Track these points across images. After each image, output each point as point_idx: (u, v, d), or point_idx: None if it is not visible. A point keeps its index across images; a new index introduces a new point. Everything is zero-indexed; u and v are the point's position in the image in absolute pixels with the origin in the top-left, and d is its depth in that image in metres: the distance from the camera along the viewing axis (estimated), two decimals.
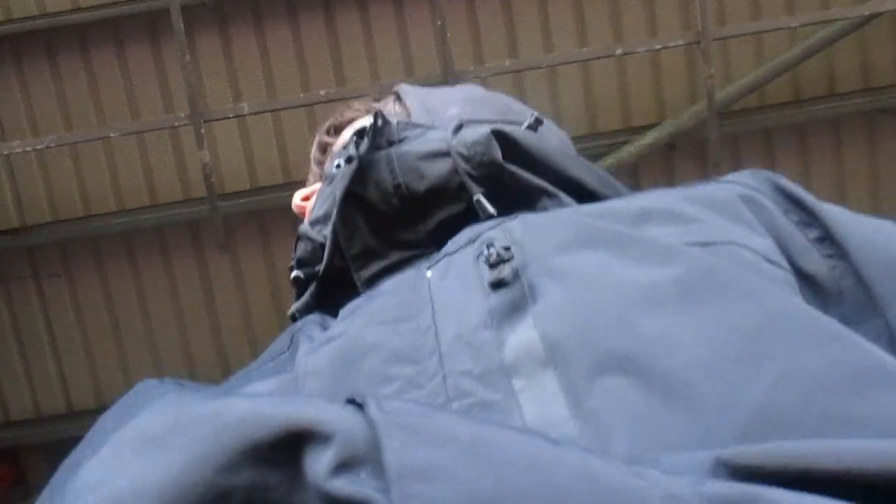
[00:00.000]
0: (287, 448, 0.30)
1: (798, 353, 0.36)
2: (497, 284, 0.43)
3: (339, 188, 0.57)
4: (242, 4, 3.20)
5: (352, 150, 0.59)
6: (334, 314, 0.55)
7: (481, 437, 0.29)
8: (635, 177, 3.34)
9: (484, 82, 3.18)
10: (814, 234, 0.48)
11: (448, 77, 2.77)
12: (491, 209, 0.54)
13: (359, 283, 0.56)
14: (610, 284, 0.41)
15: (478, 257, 0.46)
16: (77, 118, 3.26)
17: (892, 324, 0.41)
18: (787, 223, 0.49)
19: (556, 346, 0.39)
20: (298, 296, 0.63)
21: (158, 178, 3.32)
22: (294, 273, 0.61)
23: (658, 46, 2.87)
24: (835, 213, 0.48)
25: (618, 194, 0.62)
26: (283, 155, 3.31)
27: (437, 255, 0.51)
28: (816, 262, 0.47)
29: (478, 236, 0.49)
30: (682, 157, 3.29)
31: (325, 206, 0.60)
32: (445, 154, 0.56)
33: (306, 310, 0.60)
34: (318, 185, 0.79)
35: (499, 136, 0.57)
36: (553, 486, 0.27)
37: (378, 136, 0.59)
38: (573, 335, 0.39)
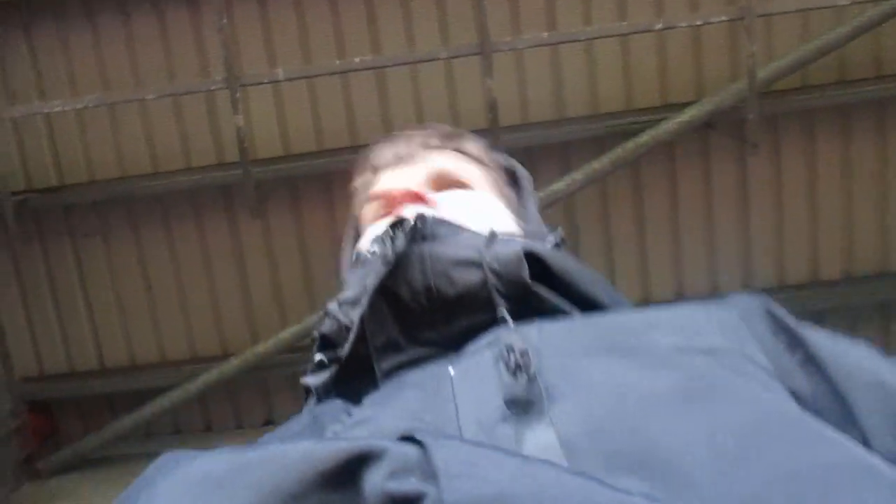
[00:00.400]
0: (348, 471, 0.34)
1: (788, 452, 0.40)
2: (515, 386, 0.47)
3: (371, 281, 0.60)
4: None
5: (387, 244, 0.62)
6: (350, 398, 0.58)
7: (525, 465, 0.35)
8: (671, 155, 3.30)
9: (520, 54, 3.15)
10: (798, 356, 0.53)
11: (484, 48, 2.74)
12: (512, 325, 0.58)
13: (378, 374, 0.59)
14: (620, 390, 0.45)
15: (497, 360, 0.50)
16: (115, 80, 3.29)
17: (867, 434, 0.46)
18: (776, 344, 0.54)
19: (572, 445, 0.42)
20: (314, 367, 0.65)
21: (193, 141, 3.35)
22: (318, 358, 0.64)
23: (700, 22, 2.81)
24: (816, 339, 0.54)
25: (621, 304, 0.66)
26: (317, 122, 3.32)
27: (459, 355, 0.55)
28: (801, 381, 0.52)
29: (498, 339, 0.53)
30: (720, 136, 3.23)
31: (355, 289, 0.64)
32: (478, 265, 0.60)
33: (325, 391, 0.63)
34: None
35: (529, 255, 0.61)
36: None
37: (415, 236, 0.62)
38: (587, 437, 0.42)
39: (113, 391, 3.53)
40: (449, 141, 0.91)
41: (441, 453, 0.34)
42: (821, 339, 0.54)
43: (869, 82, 3.20)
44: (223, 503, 0.34)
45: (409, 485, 0.32)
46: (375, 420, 0.49)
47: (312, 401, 0.64)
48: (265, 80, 2.90)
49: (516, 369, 0.47)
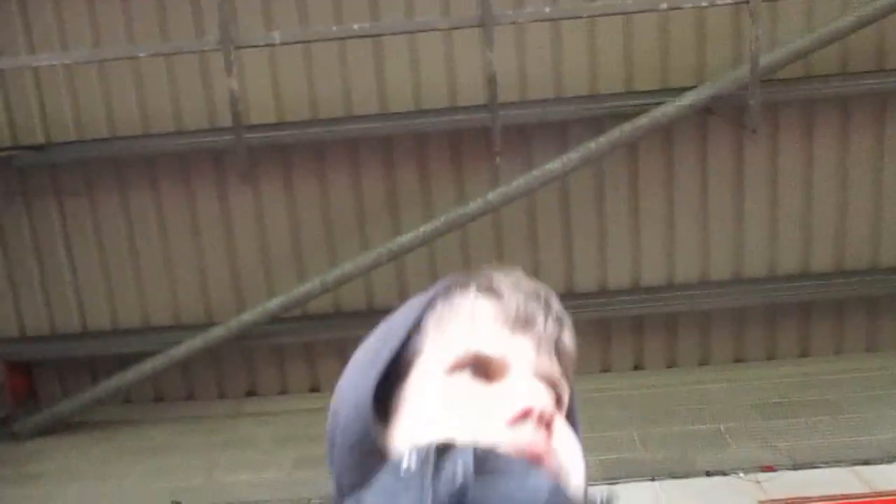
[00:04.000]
0: None
1: None
2: None
3: None
4: None
5: (429, 478, 0.57)
6: None
7: None
8: (668, 138, 3.26)
9: (521, 27, 3.10)
10: None
11: (486, 21, 2.69)
12: None
13: None
14: None
15: None
16: (107, 36, 3.21)
17: None
18: None
19: None
20: None
21: (185, 103, 3.28)
22: None
23: (705, 3, 2.77)
24: None
25: None
26: (311, 90, 3.26)
27: None
28: None
29: None
30: (719, 122, 3.20)
31: (378, 501, 0.59)
32: None
33: None
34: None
35: None
36: None
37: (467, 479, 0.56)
38: None
39: (94, 355, 3.48)
40: (557, 325, 0.72)
41: None
42: None
43: (871, 75, 3.18)
44: None
45: None
46: None
47: None
48: (261, 43, 2.84)
49: None
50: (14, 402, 3.43)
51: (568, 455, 0.64)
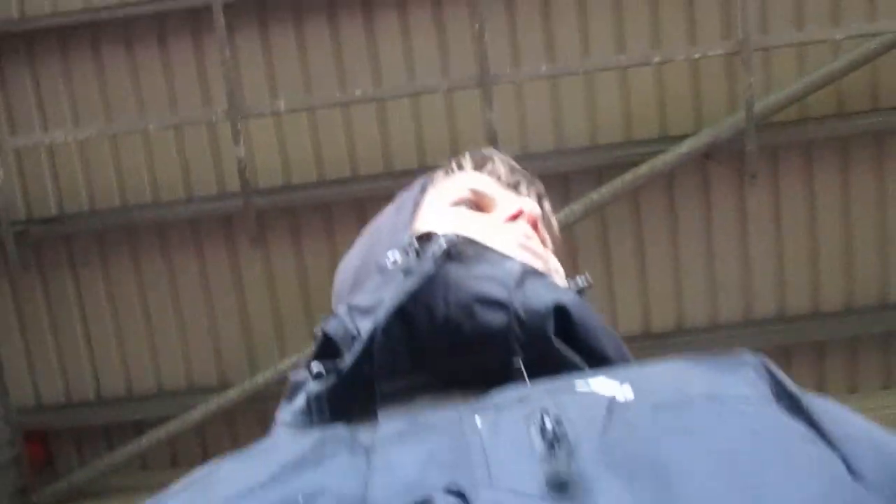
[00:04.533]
0: None
1: (795, 485, 0.40)
2: (554, 460, 0.43)
3: (391, 298, 0.57)
4: (283, 2, 3.23)
5: (412, 261, 0.60)
6: (340, 414, 0.55)
7: None
8: (670, 186, 3.31)
9: (520, 85, 3.17)
10: (801, 421, 0.50)
11: (484, 80, 2.77)
12: (527, 380, 0.55)
13: (378, 396, 0.56)
14: (664, 477, 0.42)
15: (529, 423, 0.46)
16: (118, 110, 3.31)
17: None
18: (780, 406, 0.51)
19: None
20: (313, 374, 0.60)
21: (194, 171, 3.36)
22: (316, 370, 0.58)
23: (697, 55, 2.84)
24: (816, 405, 0.50)
25: (627, 360, 0.63)
26: (317, 152, 3.33)
27: (482, 404, 0.52)
28: None
29: (529, 398, 0.50)
30: (719, 167, 3.24)
31: (369, 299, 0.60)
32: (504, 308, 0.56)
33: (316, 401, 0.58)
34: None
35: (557, 308, 0.58)
36: None
37: (445, 257, 0.59)
38: None
39: (109, 422, 3.50)
40: (539, 198, 0.85)
41: None
42: (821, 406, 0.50)
43: (866, 115, 3.23)
44: None
45: None
46: (402, 468, 0.46)
47: (299, 402, 0.59)
48: (267, 112, 2.92)
49: (552, 441, 0.44)
50: (32, 472, 3.44)
51: (555, 265, 0.70)
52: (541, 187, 0.86)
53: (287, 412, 0.59)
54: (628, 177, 3.04)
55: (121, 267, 3.43)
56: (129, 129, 2.98)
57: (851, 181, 3.31)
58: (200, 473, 0.51)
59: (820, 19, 3.15)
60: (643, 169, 3.04)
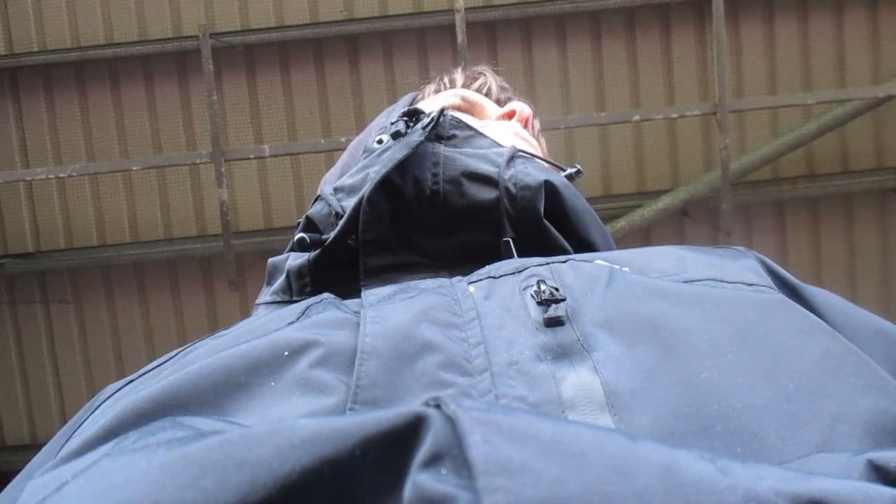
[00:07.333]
0: (369, 455, 0.28)
1: (851, 396, 0.37)
2: (551, 323, 0.42)
3: (378, 170, 0.55)
4: (270, 48, 3.28)
5: (401, 128, 0.58)
6: (324, 289, 0.52)
7: (563, 435, 0.29)
8: (647, 241, 3.36)
9: None
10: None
11: None
12: (515, 256, 0.53)
13: (362, 270, 0.54)
14: (666, 336, 0.41)
15: (524, 290, 0.45)
16: (101, 150, 3.31)
17: None
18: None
19: (616, 394, 0.39)
20: (294, 247, 0.58)
21: (175, 212, 3.35)
22: (299, 235, 0.56)
23: (675, 115, 2.92)
24: (813, 291, 0.49)
25: (612, 249, 0.61)
26: (299, 197, 3.35)
27: (476, 273, 0.49)
28: None
29: (524, 268, 0.48)
30: (695, 224, 3.31)
31: (355, 178, 0.58)
32: (493, 183, 0.55)
33: (298, 274, 0.55)
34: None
35: (547, 186, 0.56)
36: (636, 486, 0.27)
37: (435, 128, 0.57)
38: (634, 387, 0.39)
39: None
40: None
41: (476, 435, 0.27)
42: (822, 295, 0.49)
43: (836, 176, 3.33)
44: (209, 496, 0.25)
45: (439, 485, 0.26)
46: (395, 319, 0.43)
47: (279, 281, 0.56)
48: (251, 156, 2.94)
49: (548, 304, 0.42)
50: None
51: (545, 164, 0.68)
52: (532, 106, 0.86)
53: (266, 294, 0.56)
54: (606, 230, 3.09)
55: (95, 306, 3.39)
56: (111, 168, 2.98)
57: (822, 240, 3.40)
58: (174, 351, 0.47)
59: (792, 85, 3.26)
60: (621, 223, 3.09)
